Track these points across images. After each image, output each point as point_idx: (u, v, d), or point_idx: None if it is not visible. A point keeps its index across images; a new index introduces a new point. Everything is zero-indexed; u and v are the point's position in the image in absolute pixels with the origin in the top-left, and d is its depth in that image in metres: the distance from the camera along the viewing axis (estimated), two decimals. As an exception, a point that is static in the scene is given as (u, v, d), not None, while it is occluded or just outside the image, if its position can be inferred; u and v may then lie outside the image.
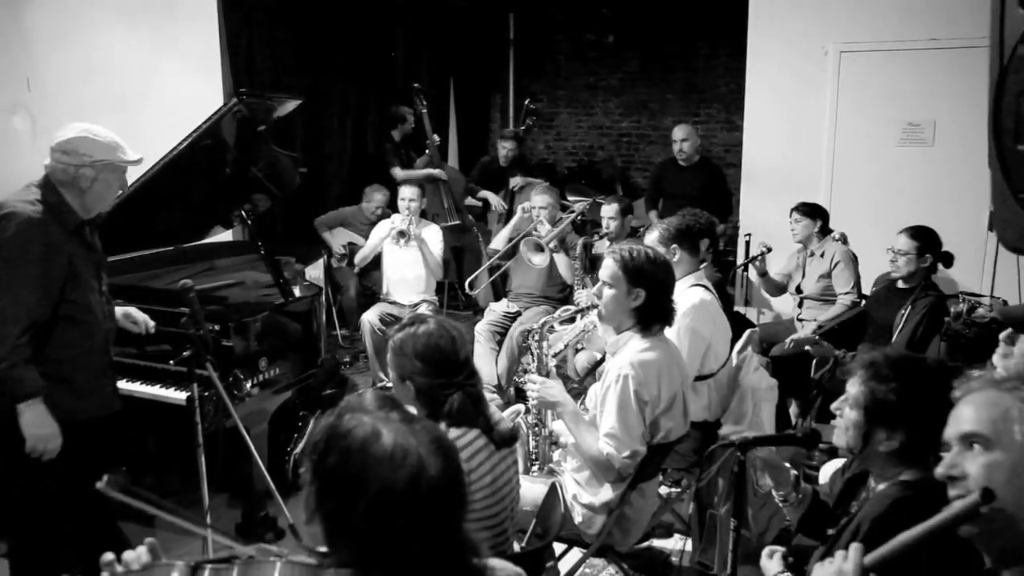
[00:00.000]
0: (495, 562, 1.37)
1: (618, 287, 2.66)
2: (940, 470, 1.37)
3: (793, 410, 4.44)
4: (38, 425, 2.43)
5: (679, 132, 5.78)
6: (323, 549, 1.28)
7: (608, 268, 2.70)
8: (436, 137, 6.45)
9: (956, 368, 1.93)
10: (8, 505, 2.72)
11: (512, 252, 5.16)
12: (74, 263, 2.51)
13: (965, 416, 1.36)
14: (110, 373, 2.78)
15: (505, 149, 6.41)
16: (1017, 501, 1.27)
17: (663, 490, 3.34)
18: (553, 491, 2.52)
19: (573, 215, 5.31)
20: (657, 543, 3.49)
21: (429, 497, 1.19)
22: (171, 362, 3.03)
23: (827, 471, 2.72)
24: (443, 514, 1.22)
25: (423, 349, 2.10)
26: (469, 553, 1.27)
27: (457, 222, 6.53)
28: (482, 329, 5.08)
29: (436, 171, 6.39)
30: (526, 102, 7.09)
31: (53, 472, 2.56)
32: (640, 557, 3.36)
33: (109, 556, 1.35)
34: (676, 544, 3.51)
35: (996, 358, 2.68)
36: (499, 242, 5.35)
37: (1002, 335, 2.55)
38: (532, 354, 3.17)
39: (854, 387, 1.92)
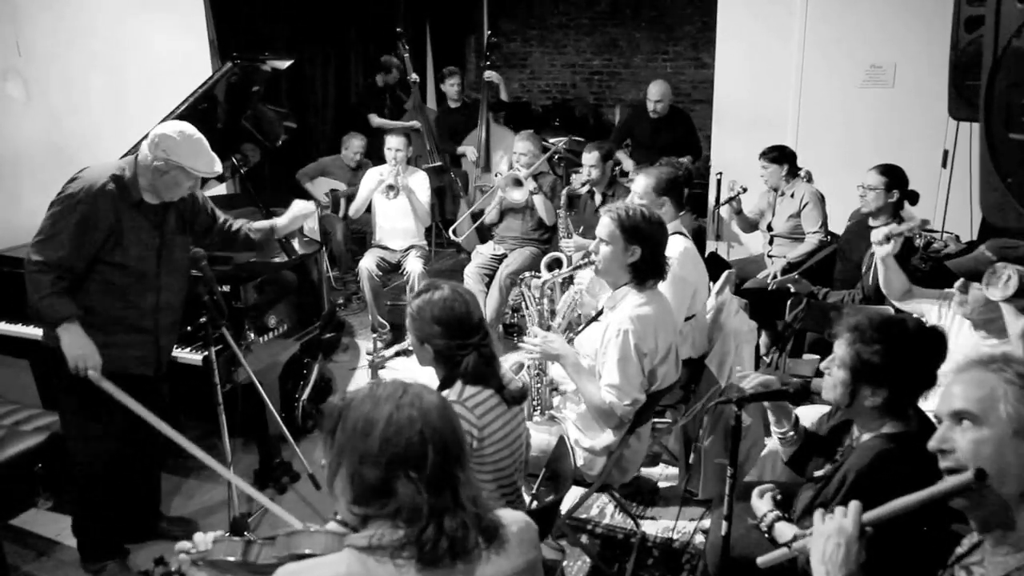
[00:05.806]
0: (504, 512, 1.43)
1: (615, 244, 2.68)
2: (932, 443, 1.43)
3: (764, 340, 4.53)
4: (74, 344, 2.60)
5: (655, 92, 5.72)
6: (341, 517, 1.42)
7: (605, 226, 2.70)
8: (415, 76, 6.32)
9: (934, 330, 2.00)
10: (69, 464, 2.87)
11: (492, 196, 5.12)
12: (122, 232, 2.67)
13: (956, 394, 1.41)
14: (149, 337, 2.85)
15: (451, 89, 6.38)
16: (1000, 473, 1.33)
17: (649, 422, 3.43)
18: (562, 443, 2.58)
19: (549, 152, 5.26)
20: (644, 471, 3.59)
21: (432, 446, 1.32)
22: (187, 327, 3.03)
23: (803, 412, 2.80)
24: (444, 462, 1.33)
25: (440, 313, 2.13)
26: (472, 503, 1.35)
27: (439, 163, 6.46)
28: (471, 272, 5.09)
29: (412, 123, 6.33)
30: (487, 34, 6.81)
31: (103, 424, 2.76)
32: (631, 486, 3.46)
33: (186, 543, 1.53)
34: (662, 472, 3.63)
35: (954, 307, 2.77)
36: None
37: (956, 285, 2.63)
38: (528, 307, 3.17)
39: (841, 348, 1.99)
